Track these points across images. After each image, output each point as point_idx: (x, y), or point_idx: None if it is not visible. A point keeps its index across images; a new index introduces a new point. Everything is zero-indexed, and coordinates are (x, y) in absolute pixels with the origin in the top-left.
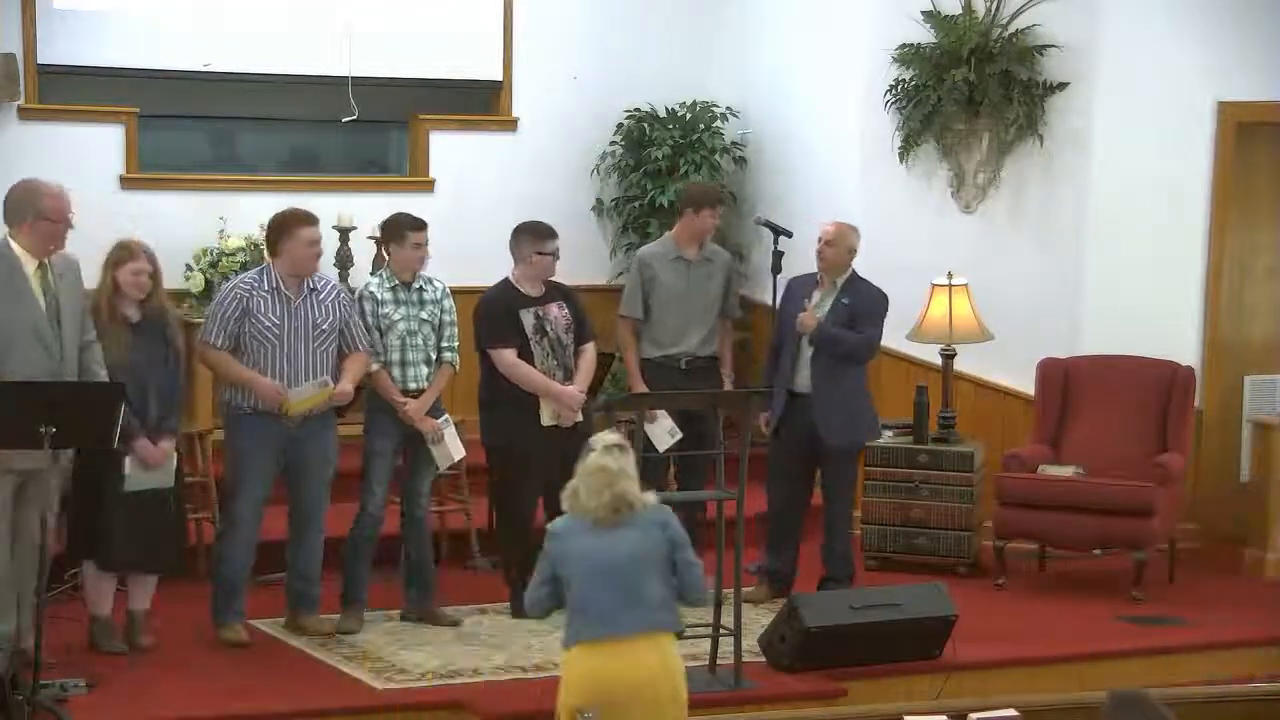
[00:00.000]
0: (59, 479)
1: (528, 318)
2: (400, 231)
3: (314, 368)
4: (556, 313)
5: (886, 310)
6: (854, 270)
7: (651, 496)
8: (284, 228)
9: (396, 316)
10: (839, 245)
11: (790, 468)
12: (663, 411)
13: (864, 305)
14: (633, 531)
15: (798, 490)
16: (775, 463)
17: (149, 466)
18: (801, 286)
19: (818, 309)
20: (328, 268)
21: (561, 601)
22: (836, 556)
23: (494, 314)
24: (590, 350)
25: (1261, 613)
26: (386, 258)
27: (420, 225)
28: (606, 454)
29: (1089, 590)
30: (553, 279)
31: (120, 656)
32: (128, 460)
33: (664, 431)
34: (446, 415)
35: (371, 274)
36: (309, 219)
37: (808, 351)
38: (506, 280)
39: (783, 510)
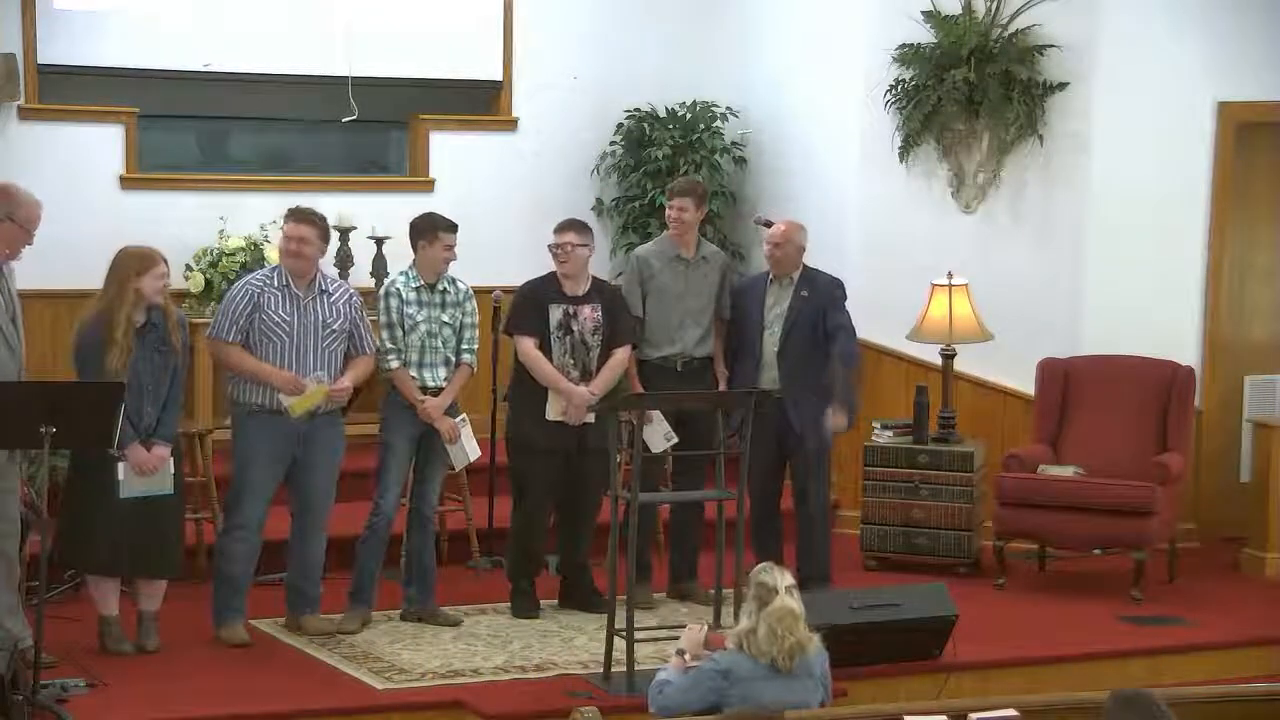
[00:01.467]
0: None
1: (556, 312)
2: (433, 232)
3: (322, 366)
4: (588, 313)
5: (845, 294)
6: (804, 264)
7: (815, 639)
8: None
9: (419, 318)
10: (788, 246)
11: (764, 467)
12: (658, 414)
13: (823, 297)
14: (807, 682)
15: (772, 489)
16: (750, 464)
17: (143, 473)
18: (754, 286)
19: (776, 305)
20: (327, 267)
21: None
22: (815, 558)
23: (522, 303)
24: (620, 355)
25: (1261, 613)
26: (413, 256)
27: (453, 227)
28: (790, 596)
29: (1089, 590)
30: (600, 279)
31: (124, 657)
32: (121, 467)
33: (659, 435)
34: (464, 415)
35: (372, 272)
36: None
37: (770, 350)
38: (552, 273)
39: (764, 512)
